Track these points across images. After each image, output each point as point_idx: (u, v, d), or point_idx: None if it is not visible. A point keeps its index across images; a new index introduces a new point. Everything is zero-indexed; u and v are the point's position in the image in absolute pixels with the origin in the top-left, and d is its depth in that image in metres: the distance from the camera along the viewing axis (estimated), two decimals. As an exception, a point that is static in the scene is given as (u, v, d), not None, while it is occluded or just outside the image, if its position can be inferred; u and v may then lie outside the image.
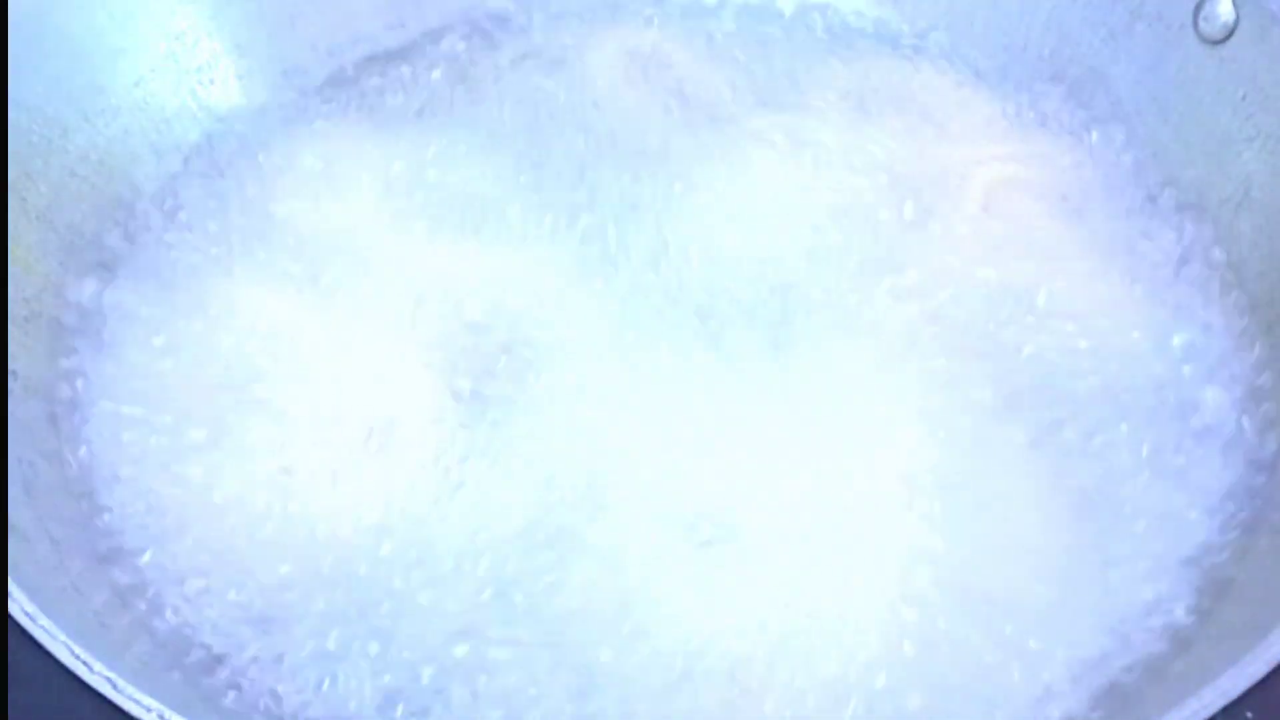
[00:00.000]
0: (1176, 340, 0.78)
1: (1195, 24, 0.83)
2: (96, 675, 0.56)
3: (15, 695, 0.65)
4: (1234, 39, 0.81)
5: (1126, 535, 0.70)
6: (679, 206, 0.84)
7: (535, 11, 0.96)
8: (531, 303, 0.79)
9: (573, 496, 0.71)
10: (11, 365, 0.73)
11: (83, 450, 0.74)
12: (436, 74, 0.93)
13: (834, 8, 0.96)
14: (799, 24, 0.96)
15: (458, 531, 0.70)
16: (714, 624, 0.66)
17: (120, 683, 0.56)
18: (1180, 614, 0.67)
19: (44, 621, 0.58)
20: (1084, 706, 0.65)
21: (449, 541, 0.70)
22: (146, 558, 0.71)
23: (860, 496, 0.70)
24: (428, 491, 0.72)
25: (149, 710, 0.56)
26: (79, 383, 0.77)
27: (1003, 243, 0.82)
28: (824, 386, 0.75)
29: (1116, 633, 0.67)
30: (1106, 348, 0.77)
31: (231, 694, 0.66)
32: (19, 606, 0.58)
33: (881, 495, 0.70)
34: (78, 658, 0.57)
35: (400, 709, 0.65)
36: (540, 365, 0.76)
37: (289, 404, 0.75)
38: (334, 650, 0.67)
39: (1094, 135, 0.88)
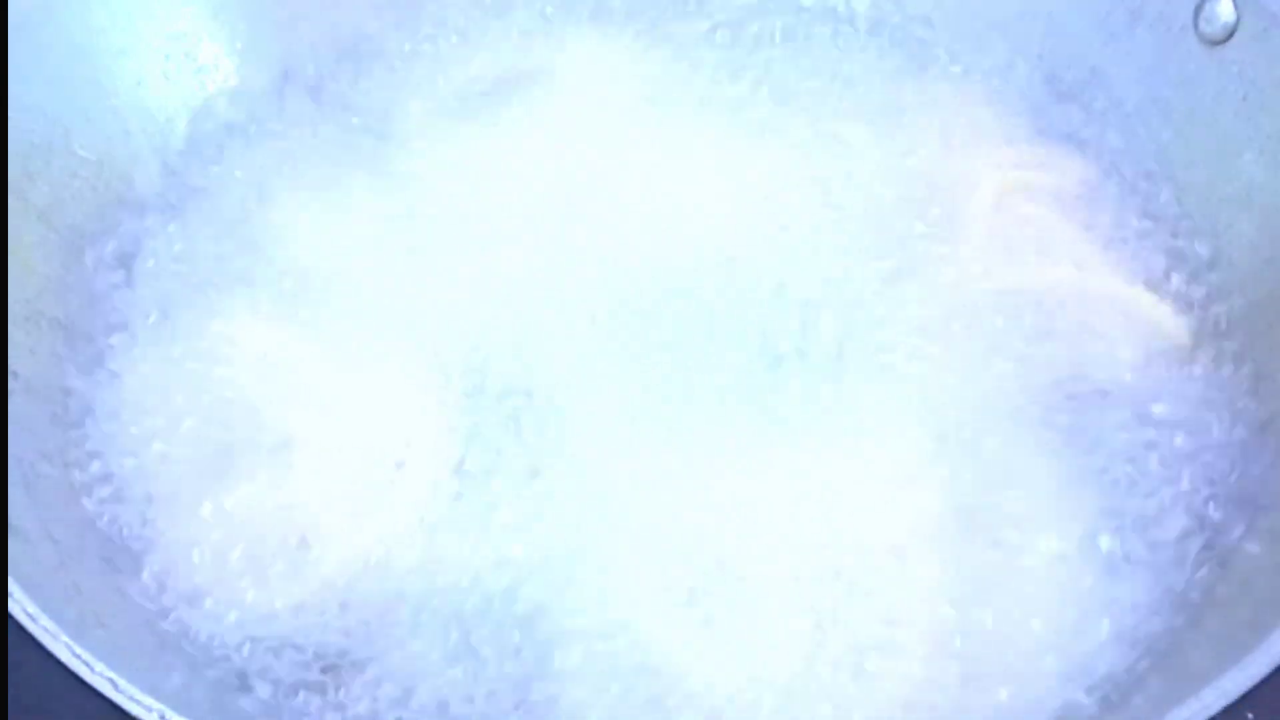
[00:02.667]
0: (1178, 342, 0.79)
1: (1196, 25, 0.83)
2: (97, 675, 0.57)
3: (16, 695, 0.65)
4: (1234, 40, 0.82)
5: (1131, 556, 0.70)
6: (683, 216, 0.84)
7: (536, 14, 0.97)
8: (535, 325, 0.78)
9: (570, 548, 0.69)
10: (12, 366, 0.73)
11: (84, 450, 0.75)
12: (439, 76, 0.93)
13: (835, 10, 0.97)
14: (798, 26, 0.96)
15: (452, 570, 0.69)
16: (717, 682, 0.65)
17: (121, 683, 0.56)
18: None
19: (45, 621, 0.58)
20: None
21: (443, 580, 0.69)
22: (148, 559, 0.71)
23: (878, 523, 0.69)
24: (426, 532, 0.70)
25: (150, 710, 0.56)
26: (82, 386, 0.77)
27: (1008, 249, 0.81)
28: (840, 406, 0.74)
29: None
30: (1111, 352, 0.77)
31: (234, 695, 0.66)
32: (20, 606, 0.58)
33: (899, 524, 0.69)
34: (78, 657, 0.57)
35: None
36: (541, 400, 0.75)
37: (288, 412, 0.75)
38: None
39: (1095, 137, 0.89)
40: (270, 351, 0.77)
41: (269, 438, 0.73)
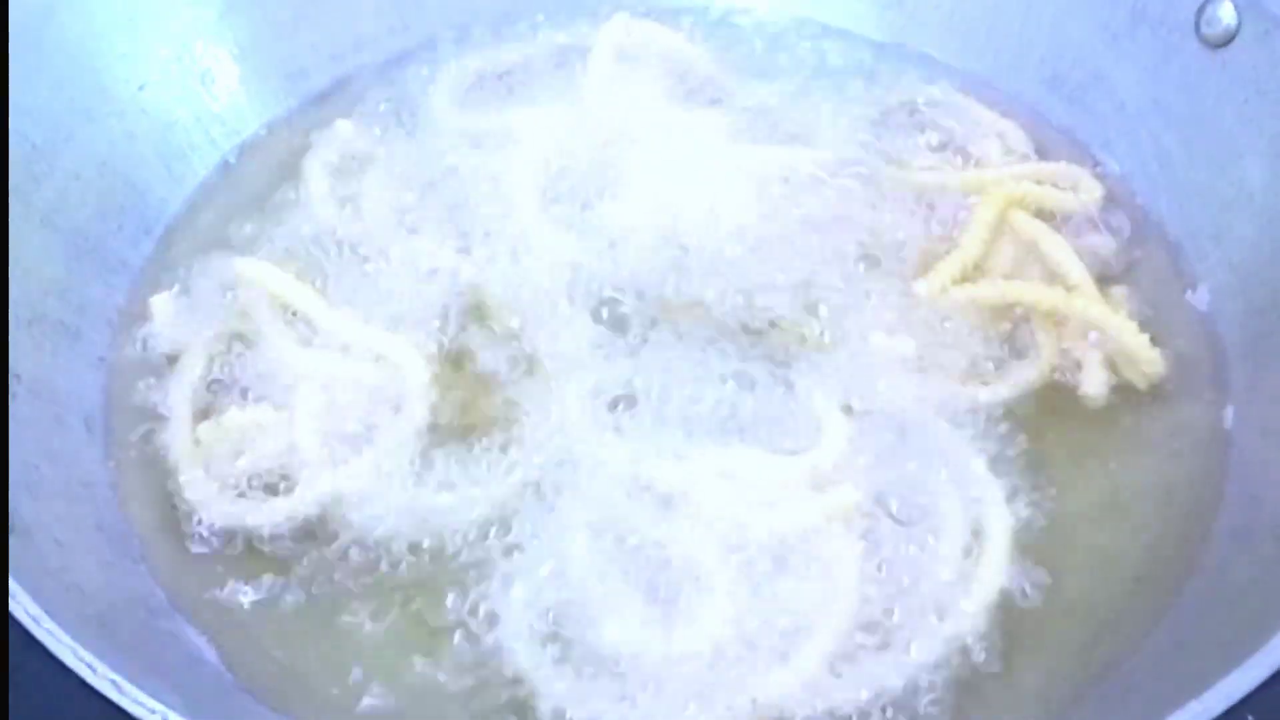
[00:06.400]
0: (1178, 345, 0.79)
1: (1197, 28, 0.83)
2: (100, 678, 0.57)
3: (18, 697, 0.65)
4: (1236, 42, 0.82)
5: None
6: (680, 208, 0.84)
7: (537, 12, 0.97)
8: (529, 298, 0.80)
9: (523, 510, 0.71)
10: (15, 368, 0.73)
11: (83, 437, 0.76)
12: (439, 75, 0.94)
13: (839, 21, 0.97)
14: (813, 35, 0.97)
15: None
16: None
17: (124, 684, 0.56)
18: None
19: (48, 624, 0.58)
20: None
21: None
22: (150, 557, 0.72)
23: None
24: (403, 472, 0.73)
25: (152, 712, 0.56)
26: (94, 380, 0.78)
27: (998, 259, 0.81)
28: (787, 401, 0.75)
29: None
30: (1078, 379, 0.77)
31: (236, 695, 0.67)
32: (22, 609, 0.59)
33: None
34: (82, 660, 0.57)
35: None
36: (523, 369, 0.77)
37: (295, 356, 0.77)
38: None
39: (1097, 140, 0.89)
40: (272, 349, 0.78)
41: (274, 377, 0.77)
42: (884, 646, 0.66)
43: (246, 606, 0.70)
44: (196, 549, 0.71)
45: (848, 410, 0.74)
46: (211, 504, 0.72)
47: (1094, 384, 0.76)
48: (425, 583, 0.70)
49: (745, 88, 0.93)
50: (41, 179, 0.80)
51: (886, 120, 0.90)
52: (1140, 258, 0.83)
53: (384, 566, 0.70)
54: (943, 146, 0.88)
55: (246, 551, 0.71)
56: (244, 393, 0.77)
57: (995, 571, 0.69)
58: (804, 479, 0.71)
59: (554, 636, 0.67)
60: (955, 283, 0.79)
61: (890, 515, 0.70)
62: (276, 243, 0.84)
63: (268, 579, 0.70)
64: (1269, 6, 0.80)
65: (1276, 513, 0.69)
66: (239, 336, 0.79)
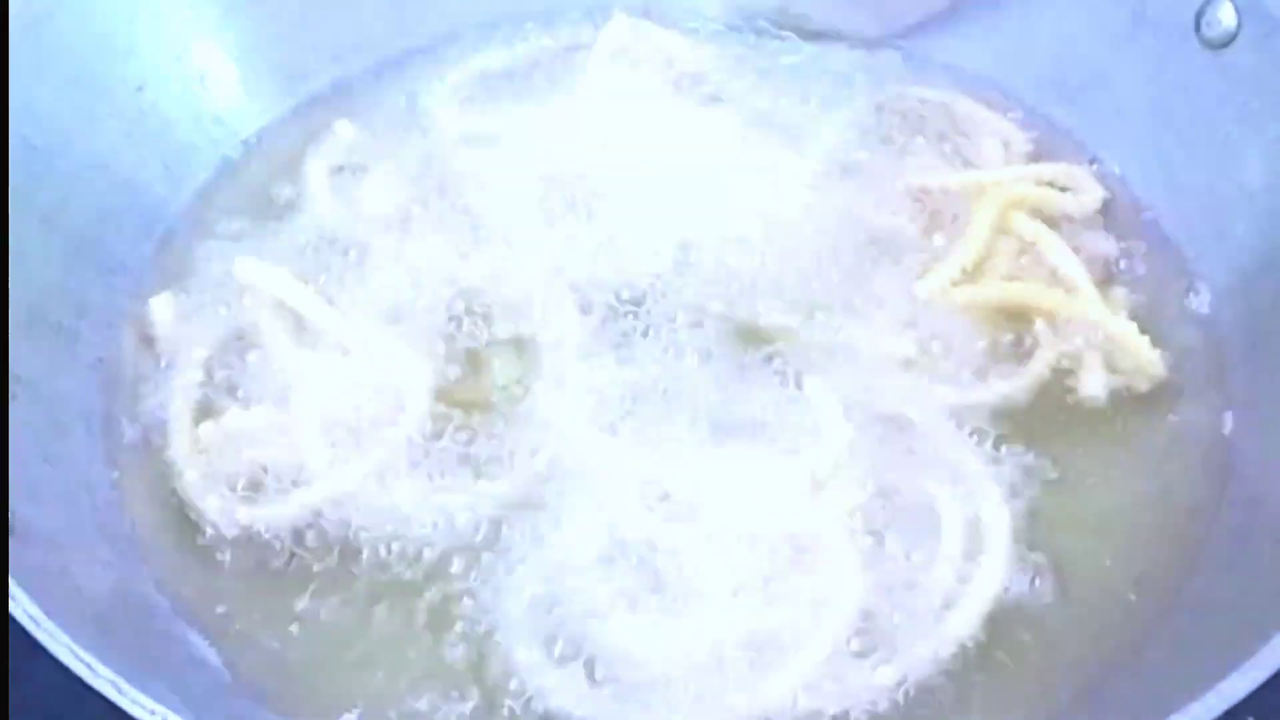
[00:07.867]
0: (1178, 346, 0.79)
1: (1197, 29, 0.84)
2: (100, 678, 0.57)
3: (18, 697, 0.65)
4: (1236, 44, 0.82)
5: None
6: (679, 208, 0.84)
7: (537, 13, 0.97)
8: (529, 299, 0.80)
9: (525, 504, 0.72)
10: (15, 370, 0.73)
11: (83, 438, 0.76)
12: (439, 75, 0.94)
13: (839, 22, 0.97)
14: (802, 33, 0.97)
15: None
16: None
17: (124, 685, 0.56)
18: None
19: (47, 625, 0.58)
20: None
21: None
22: (151, 558, 0.72)
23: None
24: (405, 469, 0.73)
25: (152, 713, 0.56)
26: (94, 382, 0.78)
27: (995, 261, 0.81)
28: (787, 403, 0.75)
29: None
30: (1078, 381, 0.77)
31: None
32: (22, 609, 0.59)
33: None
34: (81, 660, 0.57)
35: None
36: (527, 360, 0.78)
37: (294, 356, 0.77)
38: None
39: (1097, 142, 0.89)
40: (274, 349, 0.78)
41: (274, 378, 0.77)
42: (884, 647, 0.66)
43: (247, 607, 0.69)
44: (197, 550, 0.71)
45: (848, 410, 0.74)
46: (212, 505, 0.72)
47: (1094, 385, 0.76)
48: (426, 583, 0.69)
49: (744, 88, 0.93)
50: (41, 179, 0.80)
51: (886, 121, 0.90)
52: (1140, 258, 0.83)
53: (384, 567, 0.70)
54: (942, 147, 0.88)
55: (247, 552, 0.71)
56: (244, 393, 0.76)
57: (995, 572, 0.69)
58: (804, 479, 0.71)
59: (554, 637, 0.67)
60: (955, 283, 0.79)
61: (890, 515, 0.70)
62: (277, 243, 0.84)
63: (268, 580, 0.70)
64: (1269, 8, 0.80)
65: (1276, 514, 0.69)
66: (239, 337, 0.79)
